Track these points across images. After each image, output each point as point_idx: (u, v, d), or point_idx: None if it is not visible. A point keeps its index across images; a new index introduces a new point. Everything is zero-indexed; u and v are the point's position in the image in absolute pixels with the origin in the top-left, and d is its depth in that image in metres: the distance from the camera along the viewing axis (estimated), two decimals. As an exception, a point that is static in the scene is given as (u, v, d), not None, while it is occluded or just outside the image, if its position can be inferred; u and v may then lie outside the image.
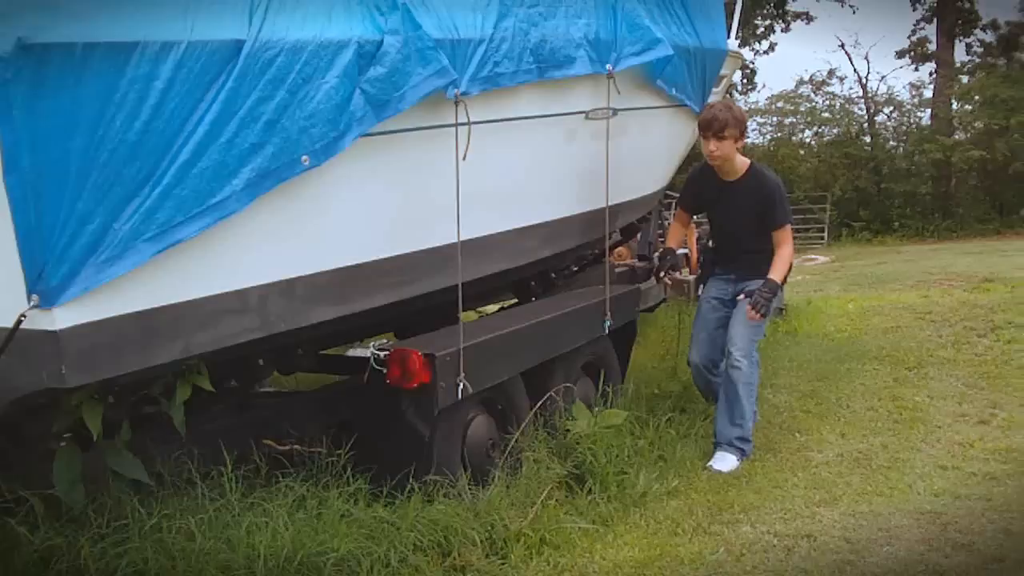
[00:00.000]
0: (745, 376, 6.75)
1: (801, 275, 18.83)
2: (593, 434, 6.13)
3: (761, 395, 8.00)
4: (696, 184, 7.24)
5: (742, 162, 6.92)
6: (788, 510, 5.83)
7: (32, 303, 3.69)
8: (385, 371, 5.25)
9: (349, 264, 4.85)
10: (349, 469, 5.16)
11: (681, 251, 13.84)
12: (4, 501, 4.59)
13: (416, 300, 5.46)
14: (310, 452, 5.27)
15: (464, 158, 5.16)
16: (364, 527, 4.82)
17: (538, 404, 6.15)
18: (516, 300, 7.95)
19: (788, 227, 6.85)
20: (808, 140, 36.48)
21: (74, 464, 4.61)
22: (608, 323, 6.94)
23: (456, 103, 5.10)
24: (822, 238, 30.83)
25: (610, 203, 6.87)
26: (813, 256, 25.51)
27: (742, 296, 6.88)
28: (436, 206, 5.21)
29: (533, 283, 7.71)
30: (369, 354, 5.33)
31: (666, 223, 11.43)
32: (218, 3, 4.13)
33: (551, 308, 6.70)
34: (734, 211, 7.00)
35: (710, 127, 6.67)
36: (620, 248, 9.90)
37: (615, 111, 6.69)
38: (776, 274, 6.76)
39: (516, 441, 5.83)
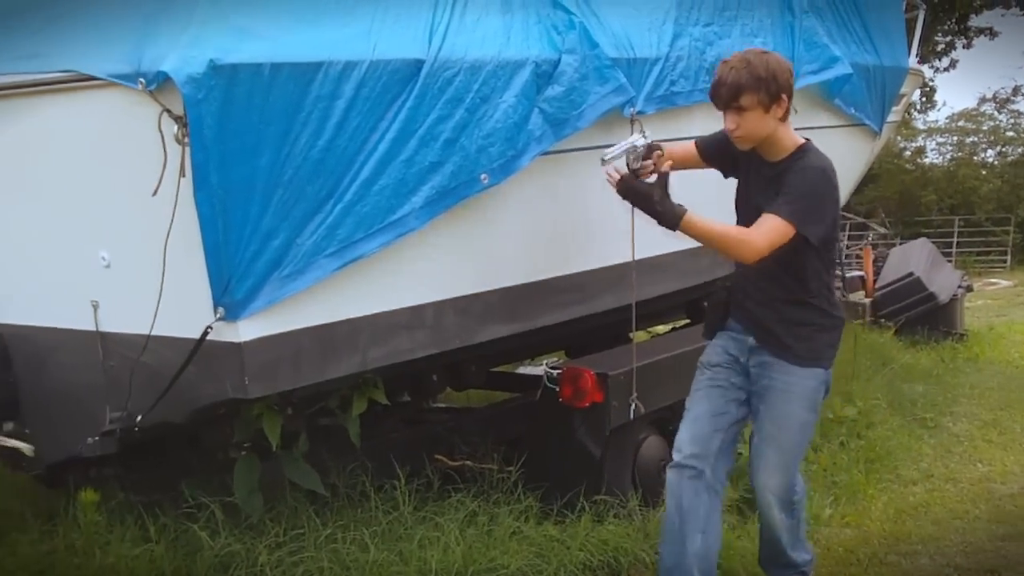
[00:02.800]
0: (786, 524, 4.59)
1: (982, 300, 18.22)
2: (765, 458, 6.01)
3: (940, 423, 7.76)
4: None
5: (790, 139, 4.30)
6: (970, 543, 5.63)
7: (217, 316, 3.80)
8: (557, 389, 5.26)
9: (523, 282, 4.88)
10: (520, 486, 5.17)
11: (856, 274, 13.56)
12: (187, 507, 4.73)
13: (588, 319, 5.45)
14: (481, 468, 5.31)
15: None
16: (534, 545, 4.83)
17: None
18: (688, 321, 7.88)
19: (783, 221, 4.09)
20: (991, 160, 35.28)
21: (253, 473, 4.74)
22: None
23: (632, 122, 5.09)
24: (1004, 261, 29.74)
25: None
26: (995, 280, 24.65)
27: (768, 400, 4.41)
28: (610, 225, 5.19)
29: (706, 304, 7.62)
30: (542, 372, 5.35)
31: (841, 245, 11.20)
32: (399, 23, 4.21)
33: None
34: (754, 205, 4.33)
35: (717, 95, 4.22)
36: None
37: (792, 130, 6.56)
38: (697, 220, 4.20)
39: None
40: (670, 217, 4.15)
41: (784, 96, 4.17)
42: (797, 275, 4.31)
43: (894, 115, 8.48)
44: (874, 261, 13.73)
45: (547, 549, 4.83)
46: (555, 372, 5.31)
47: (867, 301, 12.59)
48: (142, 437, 4.26)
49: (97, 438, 4.25)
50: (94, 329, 4.22)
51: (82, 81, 3.95)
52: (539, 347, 6.28)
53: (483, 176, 4.36)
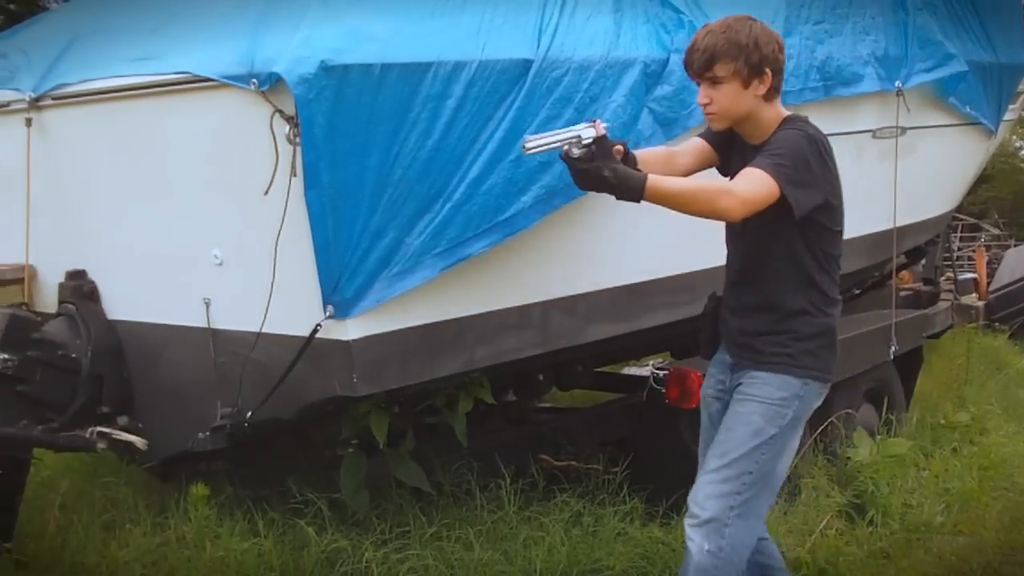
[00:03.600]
0: (705, 569, 3.57)
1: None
2: (875, 463, 5.92)
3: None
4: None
5: (771, 117, 3.70)
6: (1090, 555, 5.47)
7: (327, 314, 3.84)
8: (663, 390, 5.22)
9: (630, 283, 4.85)
10: (625, 487, 5.15)
11: (969, 276, 13.27)
12: (294, 502, 4.79)
13: (695, 320, 5.40)
14: (586, 469, 5.29)
15: None
16: (639, 546, 4.81)
17: (818, 430, 5.98)
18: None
19: (765, 174, 3.43)
20: (1110, 159, 34.34)
21: (360, 470, 4.78)
22: (893, 349, 6.69)
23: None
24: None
25: (897, 224, 6.62)
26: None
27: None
28: (720, 224, 5.15)
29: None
30: (648, 373, 5.31)
31: (954, 246, 10.97)
32: (508, 23, 4.21)
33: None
34: None
35: (690, 62, 3.68)
36: (902, 272, 9.55)
37: (904, 130, 6.45)
38: (664, 181, 3.44)
39: (795, 467, 5.68)
40: (631, 186, 3.36)
41: (768, 71, 3.59)
42: (775, 273, 3.69)
43: (1011, 113, 8.26)
44: (988, 263, 13.44)
45: (652, 551, 4.81)
46: (661, 373, 5.27)
47: (980, 304, 12.32)
48: (252, 433, 4.31)
49: (208, 433, 4.31)
50: (206, 326, 4.29)
51: (196, 82, 4.02)
52: (645, 348, 6.24)
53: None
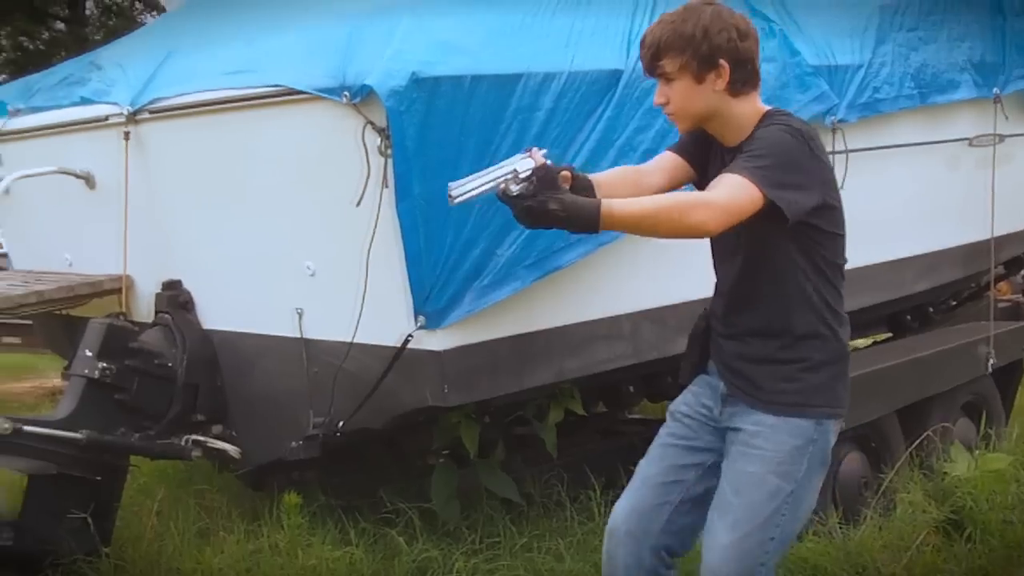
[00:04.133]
0: None
1: None
2: (973, 478, 5.78)
3: None
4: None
5: (745, 113, 3.14)
6: None
7: (418, 324, 3.87)
8: (753, 402, 5.15)
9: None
10: (717, 500, 5.08)
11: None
12: (385, 511, 4.82)
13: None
14: (676, 480, 5.24)
15: (841, 187, 5.01)
16: (729, 560, 4.74)
17: (914, 444, 5.88)
18: (890, 335, 7.65)
19: (743, 179, 2.88)
20: None
21: (450, 480, 4.79)
22: (992, 362, 6.55)
23: (833, 130, 4.98)
24: None
25: (995, 234, 6.49)
26: None
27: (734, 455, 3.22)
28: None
29: (908, 317, 7.39)
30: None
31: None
32: (598, 34, 4.21)
33: (929, 344, 6.40)
34: None
35: (641, 58, 3.21)
36: (1000, 283, 9.34)
37: (1002, 137, 6.33)
38: (621, 205, 2.84)
39: (890, 481, 5.59)
40: (584, 215, 2.81)
41: (723, 62, 3.04)
42: (776, 292, 3.17)
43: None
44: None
45: (743, 565, 4.74)
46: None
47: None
48: (343, 442, 4.35)
49: (300, 442, 4.35)
50: (298, 336, 4.34)
51: (288, 95, 4.07)
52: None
53: (683, 187, 4.31)
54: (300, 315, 4.31)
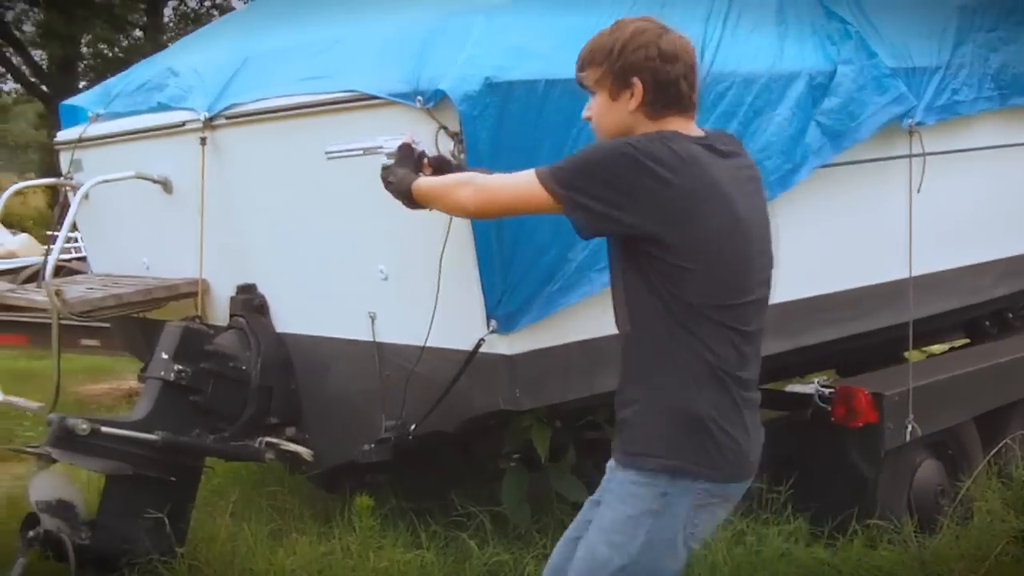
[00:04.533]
0: None
1: None
2: (1053, 486, 5.69)
3: None
4: None
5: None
6: None
7: (490, 328, 3.87)
8: (829, 408, 5.11)
9: (796, 298, 4.77)
10: (789, 506, 5.05)
11: None
12: (456, 515, 4.83)
13: (861, 337, 5.28)
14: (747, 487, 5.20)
15: (918, 190, 4.96)
16: (803, 567, 4.70)
17: (992, 452, 5.79)
18: (967, 340, 7.54)
19: (532, 176, 2.95)
20: None
21: (521, 484, 4.79)
22: (1073, 369, 6.42)
23: (911, 133, 4.92)
24: None
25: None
26: None
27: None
28: (886, 240, 5.04)
29: (987, 323, 7.28)
30: (812, 391, 5.21)
31: None
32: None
33: (1008, 350, 6.29)
34: None
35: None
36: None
37: (1085, 139, 6.21)
38: (425, 181, 3.23)
39: (967, 489, 5.51)
40: (402, 189, 3.21)
41: (636, 80, 2.89)
42: (625, 323, 2.98)
43: None
44: None
45: (817, 572, 4.70)
46: (827, 391, 5.16)
47: None
48: (415, 445, 4.36)
49: (373, 445, 4.36)
50: (371, 339, 4.36)
51: (362, 100, 4.10)
52: (809, 364, 6.12)
53: None
54: (373, 319, 4.33)
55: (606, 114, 2.99)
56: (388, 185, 3.32)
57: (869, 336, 5.32)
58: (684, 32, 4.18)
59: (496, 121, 3.70)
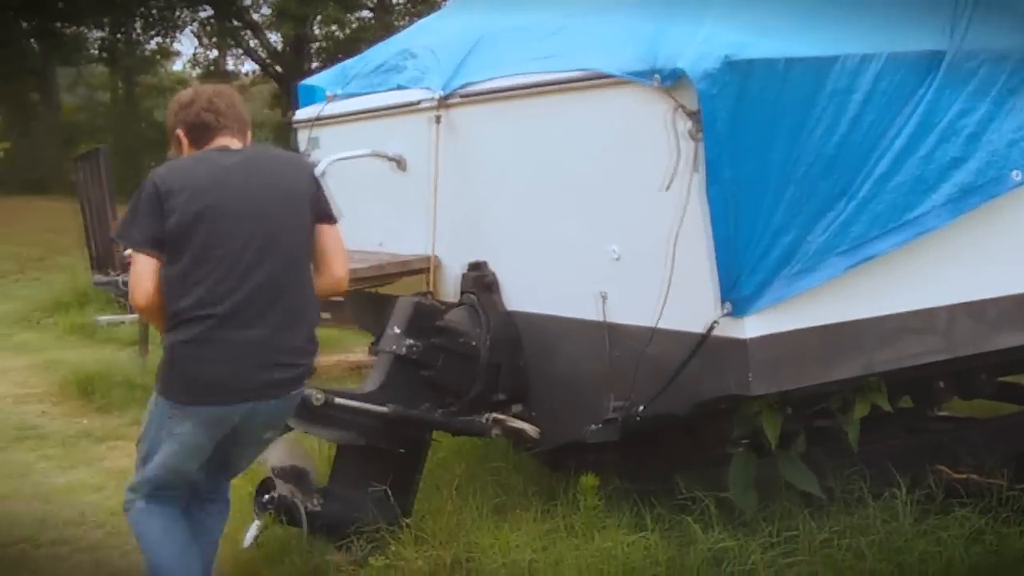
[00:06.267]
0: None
1: None
2: None
3: None
4: None
5: None
6: None
7: (724, 311, 3.82)
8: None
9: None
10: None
11: None
12: (680, 498, 4.77)
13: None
14: (988, 483, 4.99)
15: None
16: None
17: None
18: None
19: None
20: None
21: (749, 470, 4.70)
22: None
23: None
24: None
25: None
26: None
27: None
28: None
29: None
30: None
31: None
32: (917, 14, 4.05)
33: None
34: None
35: None
36: None
37: None
38: None
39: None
40: None
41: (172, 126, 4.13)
42: None
43: None
44: None
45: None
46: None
47: None
48: (642, 427, 4.34)
49: (599, 425, 4.37)
50: (601, 320, 4.35)
51: (597, 79, 4.10)
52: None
53: (1014, 173, 4.09)
54: (604, 299, 4.32)
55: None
56: None
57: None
58: (931, 8, 4.07)
59: (735, 100, 3.65)
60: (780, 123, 3.73)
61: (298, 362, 4.01)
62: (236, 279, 3.84)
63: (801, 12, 4.00)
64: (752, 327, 3.85)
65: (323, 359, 10.18)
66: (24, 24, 34.54)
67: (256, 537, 4.65)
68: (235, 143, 4.07)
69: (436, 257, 5.16)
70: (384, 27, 25.87)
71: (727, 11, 3.91)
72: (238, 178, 3.94)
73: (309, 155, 5.95)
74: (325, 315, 8.51)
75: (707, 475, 4.85)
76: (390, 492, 4.64)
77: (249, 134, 4.18)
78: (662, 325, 4.03)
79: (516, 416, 4.84)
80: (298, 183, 4.10)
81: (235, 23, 35.72)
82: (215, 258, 3.82)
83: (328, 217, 4.16)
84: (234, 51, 38.43)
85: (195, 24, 38.33)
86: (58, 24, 35.14)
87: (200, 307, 3.80)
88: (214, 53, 39.11)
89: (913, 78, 3.93)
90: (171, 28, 38.35)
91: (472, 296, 4.88)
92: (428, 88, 4.96)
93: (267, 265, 3.88)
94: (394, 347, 4.72)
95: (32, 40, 35.89)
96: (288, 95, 31.34)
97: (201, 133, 4.05)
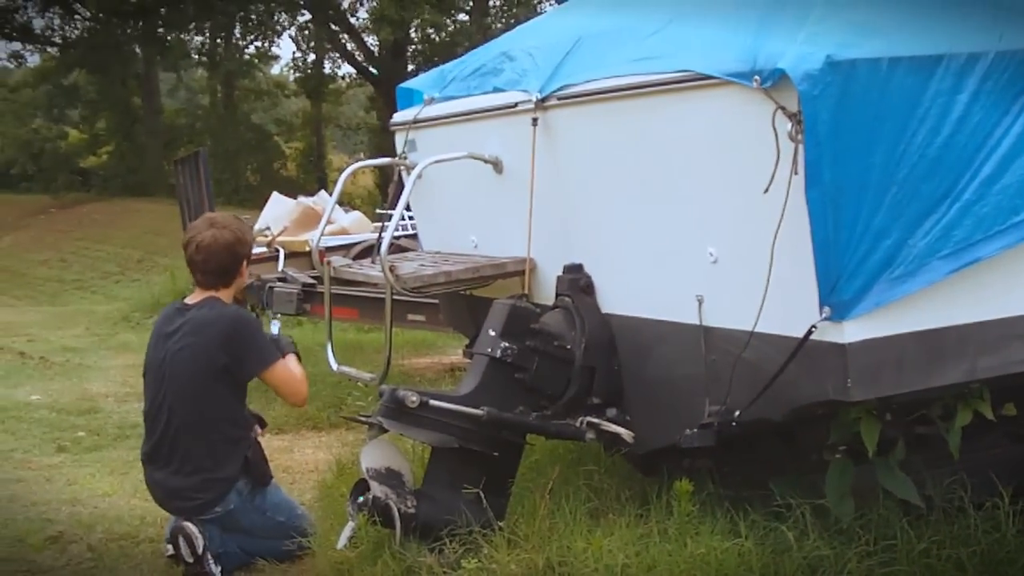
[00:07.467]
0: None
1: None
2: None
3: None
4: None
5: None
6: None
7: (823, 315, 3.76)
8: None
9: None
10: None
11: None
12: (775, 505, 4.72)
13: None
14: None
15: None
16: None
17: None
18: None
19: None
20: None
21: (846, 477, 4.63)
22: None
23: None
24: None
25: None
26: None
27: None
28: None
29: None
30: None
31: None
32: (1027, 11, 3.96)
33: None
34: None
35: None
36: None
37: None
38: None
39: None
40: None
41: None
42: None
43: None
44: None
45: None
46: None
47: None
48: (738, 432, 4.29)
49: (695, 430, 4.32)
50: (698, 323, 4.32)
51: (696, 80, 4.06)
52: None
53: None
54: (700, 302, 4.29)
55: None
56: None
57: None
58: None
59: (837, 101, 3.59)
60: (883, 124, 3.66)
61: (195, 496, 5.07)
62: (150, 427, 5.21)
63: (905, 10, 3.93)
64: (852, 332, 3.78)
65: (418, 361, 10.32)
66: (128, 30, 35.33)
67: (350, 538, 4.69)
68: (199, 296, 5.24)
69: (532, 259, 5.16)
70: (481, 30, 25.99)
71: (829, 10, 3.85)
72: (165, 341, 5.16)
73: (406, 157, 6.00)
74: (418, 317, 8.60)
75: (803, 482, 4.79)
76: (484, 495, 4.64)
77: (229, 280, 5.25)
78: (760, 329, 3.98)
79: (611, 420, 4.81)
80: (206, 353, 5.05)
81: (333, 27, 36.18)
82: (145, 408, 5.27)
83: (259, 366, 5.17)
84: (332, 55, 38.93)
85: (294, 28, 38.92)
86: (161, 29, 35.90)
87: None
88: (312, 57, 39.66)
89: (1021, 77, 3.83)
90: (270, 32, 39.00)
91: (567, 299, 4.87)
92: (525, 90, 4.96)
93: (173, 420, 5.07)
94: (489, 349, 4.73)
95: (136, 46, 36.70)
96: (384, 98, 31.74)
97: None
